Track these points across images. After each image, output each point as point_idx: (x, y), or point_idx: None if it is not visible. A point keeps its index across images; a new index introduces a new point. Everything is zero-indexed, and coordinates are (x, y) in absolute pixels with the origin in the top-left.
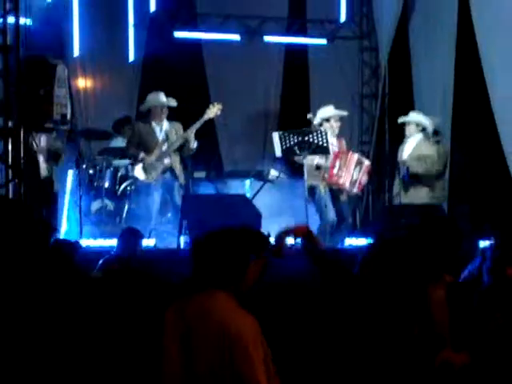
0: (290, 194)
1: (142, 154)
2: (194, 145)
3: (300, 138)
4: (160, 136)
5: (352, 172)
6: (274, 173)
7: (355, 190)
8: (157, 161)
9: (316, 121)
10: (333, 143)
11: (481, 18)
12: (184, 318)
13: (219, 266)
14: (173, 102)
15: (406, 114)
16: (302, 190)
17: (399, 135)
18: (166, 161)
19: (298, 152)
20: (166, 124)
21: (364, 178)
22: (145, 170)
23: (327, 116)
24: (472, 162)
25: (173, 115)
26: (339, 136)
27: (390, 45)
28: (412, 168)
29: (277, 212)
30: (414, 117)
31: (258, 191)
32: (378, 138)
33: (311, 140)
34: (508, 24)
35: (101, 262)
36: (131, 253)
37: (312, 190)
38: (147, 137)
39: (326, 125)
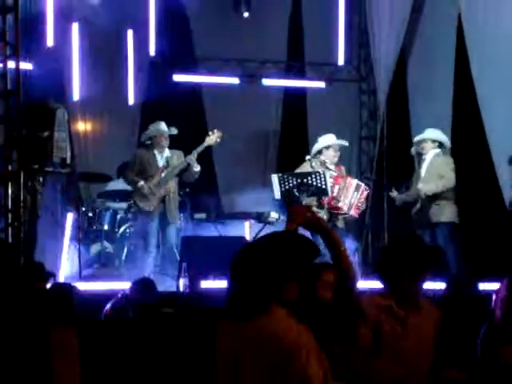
0: None
1: (141, 182)
2: (197, 168)
3: (299, 180)
4: (161, 163)
5: (350, 197)
6: (274, 215)
7: (352, 213)
8: (156, 187)
9: (316, 148)
10: (331, 169)
11: (478, 59)
12: (238, 337)
13: (268, 278)
14: (174, 131)
15: (405, 155)
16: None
17: (397, 176)
18: (163, 191)
19: (297, 194)
20: (167, 151)
21: (362, 201)
22: (144, 196)
23: (328, 144)
24: (471, 202)
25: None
26: (338, 163)
27: (388, 87)
28: (430, 189)
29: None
30: (430, 133)
31: (258, 233)
32: (377, 180)
33: (310, 182)
34: (505, 64)
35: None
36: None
37: None
38: (148, 163)
39: (325, 152)
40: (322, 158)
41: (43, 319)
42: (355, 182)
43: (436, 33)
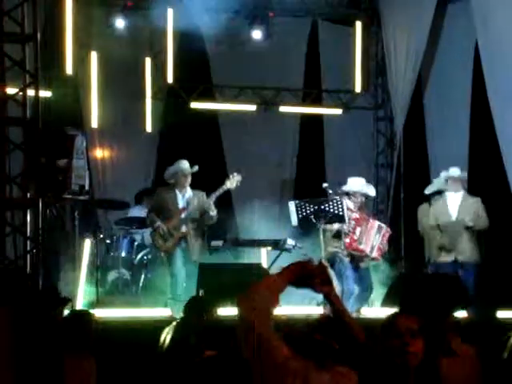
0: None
1: (158, 223)
2: (213, 213)
3: (316, 207)
4: (181, 203)
5: (372, 239)
6: (290, 242)
7: (374, 255)
8: (174, 229)
9: (345, 189)
10: (353, 209)
11: (495, 88)
12: None
13: None
14: (195, 168)
15: (422, 183)
16: (319, 258)
17: (414, 204)
18: (184, 229)
19: (314, 221)
20: (189, 191)
21: (384, 243)
22: (162, 237)
23: (354, 190)
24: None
25: (191, 184)
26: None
27: (405, 114)
28: (478, 225)
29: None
30: (457, 172)
31: (274, 260)
32: (394, 208)
33: (327, 209)
34: None
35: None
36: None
37: (332, 258)
38: (169, 203)
39: (352, 197)
40: (348, 201)
41: (58, 346)
42: (377, 223)
43: (453, 61)
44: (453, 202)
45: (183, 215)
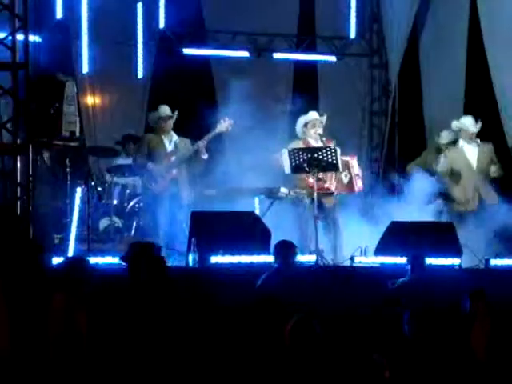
0: (299, 211)
1: (150, 164)
2: (204, 156)
3: (309, 155)
4: (169, 147)
5: (340, 175)
6: (283, 190)
7: (356, 190)
8: (166, 172)
9: (299, 125)
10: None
11: (491, 34)
12: None
13: None
14: (175, 114)
15: (416, 130)
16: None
17: (409, 152)
18: (174, 171)
19: (307, 169)
20: (175, 137)
21: (357, 173)
22: (153, 178)
23: (308, 120)
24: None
25: (182, 130)
26: (328, 138)
27: (400, 61)
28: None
29: (286, 229)
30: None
31: (267, 209)
32: (388, 155)
33: (320, 157)
34: None
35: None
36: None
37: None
38: (157, 148)
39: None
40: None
41: (45, 286)
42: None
43: (449, 7)
44: (470, 151)
45: (173, 158)
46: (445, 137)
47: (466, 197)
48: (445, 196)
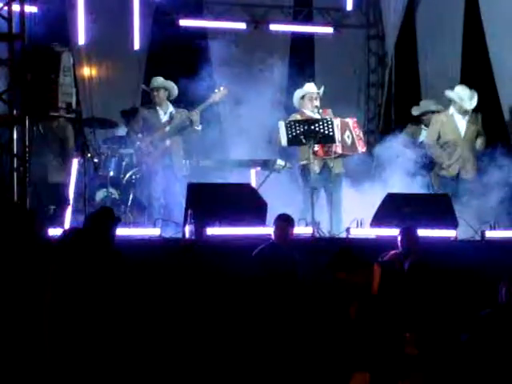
0: (296, 183)
1: (137, 143)
2: (198, 127)
3: (306, 127)
4: (164, 118)
5: (343, 136)
6: (280, 162)
7: (360, 150)
8: (159, 141)
9: (296, 98)
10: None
11: (488, 4)
12: None
13: None
14: (167, 83)
15: (412, 102)
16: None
17: (405, 124)
18: (168, 142)
19: (304, 141)
20: (171, 108)
21: (359, 134)
22: (144, 153)
23: (305, 93)
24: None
25: (178, 102)
26: (325, 108)
27: (396, 33)
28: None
29: (283, 202)
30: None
31: (264, 181)
32: (384, 127)
33: (317, 129)
34: None
35: None
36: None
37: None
38: (151, 120)
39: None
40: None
41: (39, 253)
42: (338, 120)
43: None
44: (460, 120)
45: (167, 129)
46: (416, 109)
47: (449, 161)
48: (431, 166)
